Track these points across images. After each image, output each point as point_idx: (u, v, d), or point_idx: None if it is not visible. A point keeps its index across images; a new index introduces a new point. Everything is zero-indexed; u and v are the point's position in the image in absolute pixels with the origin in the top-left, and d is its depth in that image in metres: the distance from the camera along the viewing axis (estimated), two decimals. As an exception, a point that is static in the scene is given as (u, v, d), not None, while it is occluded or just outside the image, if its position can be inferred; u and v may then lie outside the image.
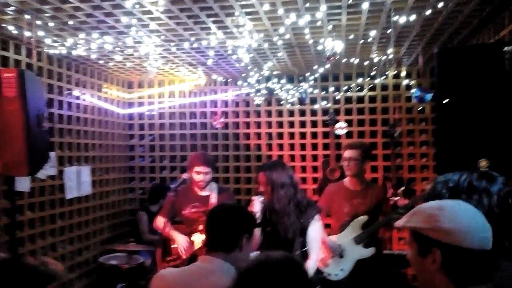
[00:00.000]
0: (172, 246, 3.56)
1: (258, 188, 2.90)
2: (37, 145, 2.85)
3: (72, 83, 4.58)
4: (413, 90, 4.53)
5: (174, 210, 3.55)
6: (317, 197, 4.80)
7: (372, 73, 5.02)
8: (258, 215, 2.76)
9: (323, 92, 5.23)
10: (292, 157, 5.30)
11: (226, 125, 5.43)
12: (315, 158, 5.25)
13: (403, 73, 4.97)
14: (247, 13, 3.07)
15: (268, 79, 5.18)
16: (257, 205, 2.77)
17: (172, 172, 5.62)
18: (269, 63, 4.56)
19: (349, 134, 5.07)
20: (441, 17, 3.16)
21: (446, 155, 2.41)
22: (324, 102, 5.21)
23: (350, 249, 3.34)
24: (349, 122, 5.09)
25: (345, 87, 5.15)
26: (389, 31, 3.36)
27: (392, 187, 4.78)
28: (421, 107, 4.98)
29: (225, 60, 4.47)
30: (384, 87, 5.09)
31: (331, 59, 3.30)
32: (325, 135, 5.17)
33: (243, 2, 2.87)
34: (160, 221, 3.49)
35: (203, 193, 3.53)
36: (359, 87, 5.14)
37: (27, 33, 3.33)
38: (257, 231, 2.85)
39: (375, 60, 4.39)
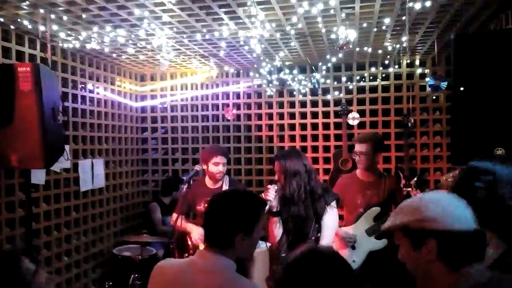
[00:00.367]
0: (188, 243, 3.59)
1: (274, 177, 2.91)
2: (52, 138, 2.88)
3: (86, 77, 4.61)
4: (427, 79, 4.47)
5: (189, 203, 3.57)
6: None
7: (386, 62, 4.96)
8: (273, 203, 2.79)
9: (336, 82, 5.19)
10: (304, 148, 5.28)
11: (238, 117, 5.42)
12: (327, 149, 5.22)
13: (417, 62, 4.90)
14: (259, 3, 3.04)
15: (280, 70, 5.15)
16: (271, 193, 2.79)
17: (184, 165, 5.64)
18: (281, 54, 4.53)
19: (361, 125, 5.03)
20: (457, 2, 3.10)
21: (461, 145, 2.38)
22: (337, 93, 5.17)
23: (362, 241, 3.33)
24: (362, 112, 5.04)
25: (358, 77, 5.10)
26: (403, 18, 3.30)
27: (404, 178, 4.78)
28: (435, 96, 4.92)
29: (237, 51, 4.46)
30: (398, 76, 5.02)
31: (344, 48, 3.26)
32: (337, 126, 5.13)
33: (256, -8, 2.85)
34: (175, 218, 3.52)
35: (216, 186, 3.55)
36: (372, 77, 5.08)
37: (41, 28, 3.35)
38: (276, 220, 2.86)
39: (389, 48, 4.33)
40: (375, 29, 3.71)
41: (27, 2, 2.94)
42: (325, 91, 5.19)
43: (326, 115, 5.23)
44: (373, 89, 5.08)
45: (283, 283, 1.26)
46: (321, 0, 2.97)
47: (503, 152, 2.26)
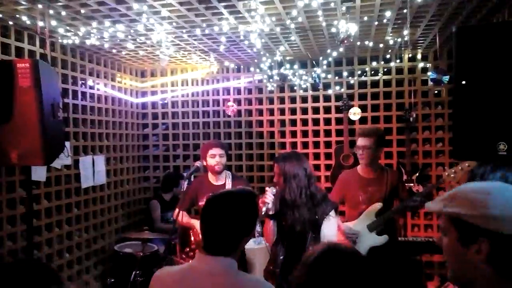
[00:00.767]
0: (190, 238, 3.60)
1: (274, 179, 2.88)
2: (52, 134, 2.87)
3: (86, 73, 4.60)
4: (429, 73, 4.44)
5: (191, 199, 3.57)
6: (330, 184, 4.78)
7: (387, 56, 4.93)
8: (270, 206, 2.74)
9: (337, 77, 5.16)
10: (306, 144, 5.26)
11: (239, 113, 5.40)
12: (328, 144, 5.20)
13: (419, 56, 4.87)
14: (259, -3, 3.02)
15: (280, 64, 5.12)
16: (269, 196, 2.74)
17: (185, 161, 5.63)
18: (281, 48, 4.51)
19: (363, 120, 5.00)
20: (459, -5, 3.07)
21: (463, 139, 2.34)
22: (338, 87, 5.14)
23: (364, 237, 3.32)
24: (363, 108, 5.01)
25: (359, 72, 5.07)
26: (405, 11, 3.27)
27: (406, 173, 4.75)
28: (437, 91, 4.89)
29: (237, 46, 4.43)
30: (399, 71, 4.99)
31: (345, 42, 3.23)
32: (339, 121, 5.10)
33: (255, -15, 2.83)
34: (177, 213, 3.52)
35: (218, 182, 3.54)
36: (374, 71, 5.05)
37: (40, 23, 3.33)
38: (271, 223, 2.84)
39: (390, 42, 4.30)
40: (376, 23, 3.68)
41: (25, -2, 2.93)
42: (326, 86, 5.16)
43: (327, 110, 5.21)
44: (375, 84, 5.05)
45: (305, 285, 1.22)
46: (322, -6, 2.95)
47: (505, 147, 2.23)
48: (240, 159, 5.47)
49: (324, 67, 5.09)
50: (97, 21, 3.47)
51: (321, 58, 5.00)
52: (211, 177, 3.61)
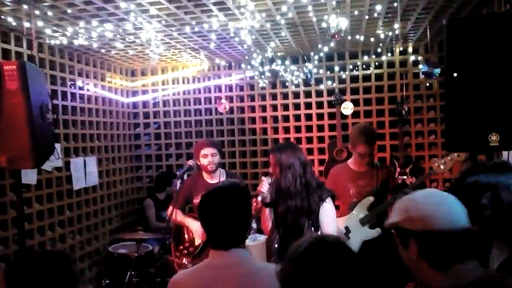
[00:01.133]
0: (184, 236, 3.57)
1: (270, 170, 2.90)
2: (41, 137, 2.82)
3: (75, 74, 4.54)
4: (420, 66, 4.44)
5: (185, 197, 3.55)
6: (324, 178, 4.78)
7: (379, 50, 4.93)
8: (265, 195, 2.79)
9: (328, 72, 5.15)
10: (299, 140, 5.25)
11: (231, 110, 5.37)
12: (321, 139, 5.19)
13: (410, 49, 4.86)
14: (248, -7, 2.99)
15: (272, 61, 5.08)
16: (265, 186, 2.79)
17: (178, 160, 5.60)
18: (272, 44, 4.48)
19: (355, 114, 5.00)
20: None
21: (455, 131, 2.34)
22: (330, 82, 5.13)
23: (356, 230, 3.33)
24: (356, 102, 5.01)
25: (351, 66, 5.06)
26: (395, 4, 3.26)
27: (399, 166, 4.77)
28: (428, 84, 4.89)
29: (228, 43, 4.40)
30: (391, 64, 4.99)
31: (335, 36, 3.21)
32: (331, 116, 5.10)
33: (244, -19, 2.80)
34: (171, 211, 3.50)
35: (213, 180, 3.52)
36: (365, 65, 5.04)
37: (26, 24, 3.27)
38: (267, 211, 2.86)
39: (381, 36, 4.29)
40: (366, 17, 3.66)
41: (10, -2, 2.87)
42: (318, 81, 5.15)
43: (319, 105, 5.20)
44: (367, 78, 5.04)
45: (292, 279, 1.22)
46: (311, -12, 2.92)
47: (497, 138, 2.23)
48: (234, 157, 5.45)
49: (316, 62, 5.07)
50: (85, 20, 3.42)
51: (312, 53, 4.98)
52: (205, 175, 3.59)
